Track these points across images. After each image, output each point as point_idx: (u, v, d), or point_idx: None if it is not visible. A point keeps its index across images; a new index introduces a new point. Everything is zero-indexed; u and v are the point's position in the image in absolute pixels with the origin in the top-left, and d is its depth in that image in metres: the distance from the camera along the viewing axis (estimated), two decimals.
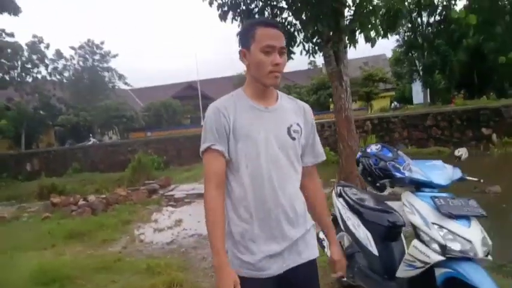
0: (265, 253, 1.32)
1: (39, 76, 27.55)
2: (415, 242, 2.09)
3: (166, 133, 26.65)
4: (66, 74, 28.93)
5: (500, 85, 27.18)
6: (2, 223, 6.85)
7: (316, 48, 6.56)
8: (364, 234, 2.57)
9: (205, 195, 1.32)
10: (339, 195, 2.90)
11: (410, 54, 22.71)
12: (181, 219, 6.03)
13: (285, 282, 1.35)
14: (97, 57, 29.22)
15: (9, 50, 25.20)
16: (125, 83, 33.24)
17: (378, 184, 2.40)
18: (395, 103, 25.15)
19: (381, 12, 6.20)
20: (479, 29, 24.04)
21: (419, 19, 22.36)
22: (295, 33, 6.46)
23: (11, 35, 24.64)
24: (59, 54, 28.37)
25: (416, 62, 22.72)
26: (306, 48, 6.60)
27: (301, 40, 6.52)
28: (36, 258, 4.28)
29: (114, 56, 30.25)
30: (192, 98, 37.73)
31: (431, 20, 22.27)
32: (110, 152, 14.25)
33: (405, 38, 22.71)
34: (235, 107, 1.35)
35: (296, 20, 6.30)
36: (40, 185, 10.86)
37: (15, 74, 26.77)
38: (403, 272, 2.16)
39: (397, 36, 22.99)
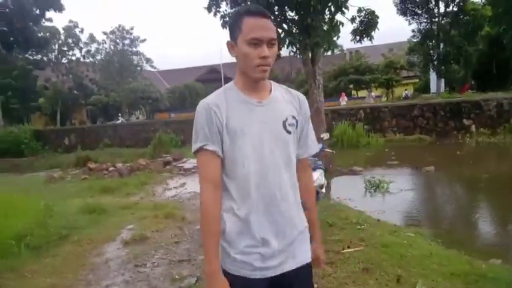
0: (261, 253, 1.28)
1: (73, 58, 30.26)
2: None
3: (189, 115, 28.88)
4: (98, 56, 31.54)
5: None
6: (52, 181, 9.11)
7: (298, 52, 8.23)
8: None
9: (201, 199, 1.27)
10: None
11: (425, 44, 23.44)
12: (185, 182, 8.05)
13: (278, 285, 1.31)
14: (126, 41, 31.61)
15: (47, 34, 27.86)
16: (152, 66, 35.63)
17: None
18: (406, 92, 26.06)
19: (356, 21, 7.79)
20: (499, 20, 24.38)
21: (435, 9, 23.00)
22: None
23: (50, 19, 27.27)
24: (92, 38, 30.95)
25: (431, 52, 23.44)
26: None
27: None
28: (81, 201, 6.37)
29: (143, 41, 32.57)
30: (214, 81, 39.57)
31: (448, 9, 22.85)
32: (136, 130, 16.51)
33: (421, 28, 23.43)
34: (227, 103, 1.29)
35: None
36: (77, 156, 13.22)
37: (53, 56, 29.58)
38: None
39: (413, 26, 23.74)
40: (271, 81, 1.39)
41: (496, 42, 26.02)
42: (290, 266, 1.32)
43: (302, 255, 1.36)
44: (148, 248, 4.18)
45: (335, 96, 31.56)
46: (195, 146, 1.29)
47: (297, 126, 1.37)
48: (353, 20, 8.53)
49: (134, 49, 31.85)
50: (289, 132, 1.33)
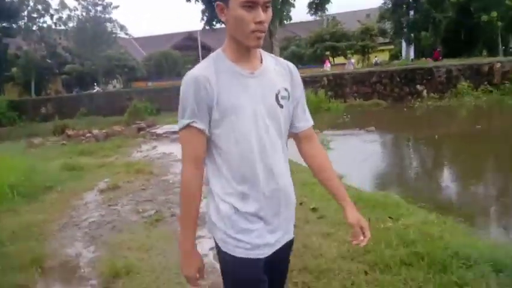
0: (262, 231, 1.25)
1: (44, 25, 29.79)
2: None
3: (166, 83, 29.30)
4: (70, 24, 31.10)
5: (492, 42, 28.58)
6: (33, 147, 9.92)
7: None
8: None
9: (182, 177, 1.23)
10: None
11: (395, 11, 24.26)
12: (156, 146, 9.02)
13: (270, 261, 1.29)
14: (99, 8, 31.14)
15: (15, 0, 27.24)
16: (127, 34, 35.32)
17: None
18: (376, 59, 27.11)
19: None
20: None
21: None
22: None
23: None
24: (63, 5, 30.40)
25: (401, 19, 24.32)
26: None
27: None
28: (61, 162, 7.28)
29: (116, 7, 32.20)
30: (191, 48, 39.49)
31: None
32: (112, 99, 17.15)
33: None
34: (217, 75, 1.19)
35: None
36: (55, 124, 13.90)
37: (22, 24, 29.05)
38: None
39: None
40: (260, 49, 1.29)
41: (464, 9, 26.99)
42: (285, 240, 1.33)
43: (290, 233, 1.36)
44: (120, 193, 5.21)
45: (313, 63, 32.44)
46: (181, 122, 1.21)
47: (289, 98, 1.30)
48: None
49: (107, 16, 31.44)
50: (281, 106, 1.27)
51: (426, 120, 10.62)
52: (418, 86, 13.20)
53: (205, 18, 9.15)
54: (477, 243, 2.80)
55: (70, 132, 10.47)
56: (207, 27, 9.42)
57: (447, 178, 5.72)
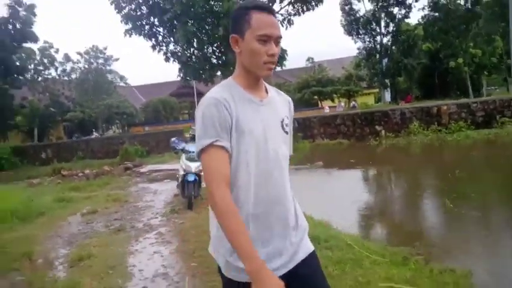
0: (271, 254, 1.27)
1: (49, 77, 32.29)
2: (181, 164, 6.45)
3: (163, 127, 31.25)
4: (73, 75, 33.68)
5: (463, 85, 30.85)
6: (32, 186, 11.40)
7: None
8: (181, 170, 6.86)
9: (216, 199, 1.19)
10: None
11: (369, 60, 26.66)
12: (137, 181, 10.50)
13: (292, 281, 1.29)
14: (100, 60, 33.89)
15: (23, 55, 29.85)
16: (126, 83, 37.97)
17: (177, 151, 6.76)
18: (353, 103, 29.21)
19: None
20: (434, 37, 27.88)
21: (377, 29, 26.28)
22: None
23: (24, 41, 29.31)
24: (67, 58, 33.12)
25: (375, 66, 26.67)
26: None
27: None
28: (54, 196, 8.73)
29: (116, 60, 34.95)
30: (187, 95, 41.85)
31: (388, 29, 26.18)
32: (107, 144, 18.82)
33: (365, 46, 26.69)
34: (234, 99, 1.27)
35: None
36: (53, 167, 15.44)
37: (29, 76, 31.54)
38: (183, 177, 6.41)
39: (359, 44, 26.97)
40: (263, 81, 1.39)
41: (436, 56, 29.57)
42: (295, 262, 1.33)
43: (304, 249, 1.36)
44: (96, 216, 6.64)
45: (304, 107, 34.71)
46: (203, 142, 1.22)
47: (290, 126, 1.40)
48: None
49: (107, 67, 34.12)
50: (286, 132, 1.37)
51: (374, 155, 12.15)
52: (377, 127, 14.84)
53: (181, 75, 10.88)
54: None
55: (64, 172, 12.00)
56: (183, 84, 11.10)
57: (353, 200, 6.98)
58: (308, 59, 49.91)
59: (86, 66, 33.55)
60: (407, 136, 13.92)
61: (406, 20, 25.91)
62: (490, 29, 25.27)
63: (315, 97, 38.82)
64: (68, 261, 4.39)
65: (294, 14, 10.99)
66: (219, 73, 11.31)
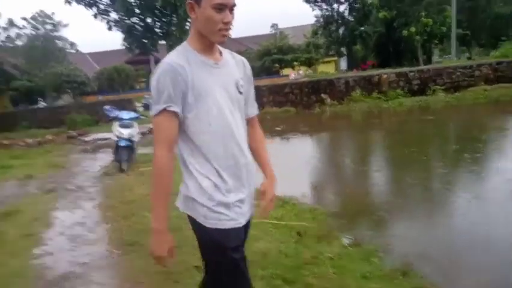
0: (236, 203, 1.44)
1: None
2: (113, 132, 6.99)
3: (118, 96, 30.85)
4: (19, 42, 32.19)
5: (415, 53, 32.34)
6: None
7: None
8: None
9: (156, 159, 1.35)
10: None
11: (326, 28, 27.31)
12: (79, 150, 10.89)
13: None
14: (48, 26, 32.49)
15: None
16: (76, 50, 36.68)
17: (110, 119, 7.27)
18: (300, 72, 30.08)
19: None
20: (390, 6, 28.84)
21: None
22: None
23: None
24: (11, 23, 31.53)
25: (332, 35, 27.40)
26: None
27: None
28: None
29: (65, 26, 33.65)
30: (144, 62, 40.95)
31: None
32: (53, 113, 18.70)
33: (323, 14, 27.25)
34: (190, 64, 1.37)
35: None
36: None
37: None
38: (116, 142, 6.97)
39: (316, 12, 27.48)
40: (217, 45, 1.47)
41: (391, 25, 30.62)
42: (251, 213, 1.53)
43: (252, 208, 1.56)
44: (32, 180, 7.10)
45: (264, 75, 35.05)
46: (157, 107, 1.33)
47: (244, 87, 1.53)
48: None
49: (56, 34, 32.78)
50: (241, 93, 1.49)
51: (319, 121, 13.17)
52: (322, 95, 15.75)
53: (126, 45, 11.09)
54: None
55: (5, 141, 12.11)
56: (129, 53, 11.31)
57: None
58: (272, 26, 49.93)
59: (33, 32, 32.09)
60: (349, 103, 14.93)
61: None
62: None
63: (276, 65, 39.41)
64: None
65: None
66: (162, 42, 11.61)
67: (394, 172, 6.17)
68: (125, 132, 6.93)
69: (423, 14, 27.69)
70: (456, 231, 3.51)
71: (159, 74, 1.36)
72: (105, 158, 8.93)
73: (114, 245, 3.65)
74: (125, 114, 7.31)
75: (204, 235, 1.45)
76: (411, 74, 15.49)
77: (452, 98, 13.94)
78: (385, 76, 15.51)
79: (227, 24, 1.39)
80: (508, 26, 34.86)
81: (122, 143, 6.86)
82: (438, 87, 14.83)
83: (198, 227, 1.45)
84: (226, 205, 1.43)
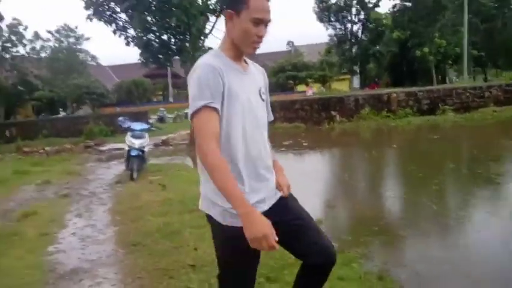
0: (255, 204, 1.46)
1: (18, 55, 32.09)
2: (126, 141, 7.42)
3: (136, 109, 31.75)
4: (43, 54, 33.58)
5: (428, 73, 32.48)
6: None
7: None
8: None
9: (207, 155, 1.37)
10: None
11: (340, 47, 27.79)
12: (95, 158, 11.38)
13: (274, 216, 1.46)
14: (71, 39, 33.85)
15: None
16: (97, 63, 38.00)
17: (124, 129, 7.72)
18: (311, 88, 30.44)
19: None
20: (403, 27, 29.18)
21: (348, 17, 27.34)
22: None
23: None
24: (36, 36, 32.95)
25: (345, 53, 27.83)
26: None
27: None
28: (14, 169, 9.54)
29: (87, 39, 34.96)
30: (162, 76, 42.05)
31: (359, 17, 27.28)
32: (72, 123, 19.44)
33: (336, 33, 27.77)
34: (225, 67, 1.45)
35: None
36: (16, 145, 16.05)
37: None
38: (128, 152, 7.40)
39: (330, 31, 28.03)
40: None
41: (405, 45, 30.93)
42: (273, 201, 1.60)
43: (278, 193, 1.64)
44: (49, 185, 7.55)
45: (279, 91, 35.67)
46: (198, 103, 1.38)
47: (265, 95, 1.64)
48: None
49: (78, 47, 34.12)
50: (263, 100, 1.62)
51: (323, 136, 13.41)
52: (332, 112, 16.02)
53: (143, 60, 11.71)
54: None
55: (26, 149, 12.74)
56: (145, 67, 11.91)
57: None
58: (288, 43, 50.68)
59: (57, 45, 33.47)
60: (358, 121, 15.15)
61: (376, 9, 26.99)
62: (456, 21, 26.70)
63: (291, 81, 39.94)
64: (15, 217, 5.34)
65: None
66: (177, 58, 12.14)
67: (386, 186, 6.38)
68: (137, 143, 7.35)
69: (437, 35, 27.95)
70: (442, 246, 3.70)
71: (201, 72, 1.43)
72: (118, 167, 9.35)
73: (120, 245, 3.98)
74: (137, 126, 7.75)
75: (220, 233, 1.52)
76: (421, 93, 15.67)
77: (461, 118, 14.03)
78: (394, 95, 15.72)
79: (260, 38, 1.50)
80: None
81: (134, 153, 7.27)
82: (448, 107, 14.95)
83: (215, 225, 1.52)
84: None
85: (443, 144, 9.82)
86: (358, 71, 28.80)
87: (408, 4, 27.91)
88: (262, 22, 1.47)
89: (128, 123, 7.68)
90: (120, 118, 7.86)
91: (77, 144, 14.12)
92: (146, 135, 7.79)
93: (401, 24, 28.70)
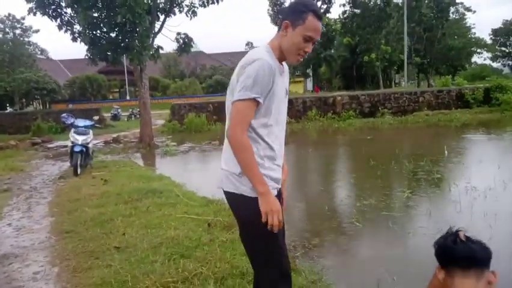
0: (277, 179, 1.74)
1: None
2: (70, 137, 7.53)
3: (88, 105, 30.85)
4: None
5: (376, 77, 34.34)
6: None
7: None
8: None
9: (237, 137, 1.57)
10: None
11: None
12: (42, 155, 11.24)
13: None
14: (17, 31, 32.30)
15: None
16: (47, 57, 36.48)
17: (66, 126, 7.82)
18: None
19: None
20: (353, 32, 30.61)
21: None
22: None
23: None
24: None
25: None
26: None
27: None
28: None
29: (36, 31, 33.51)
30: (117, 72, 40.91)
31: None
32: (18, 119, 18.78)
33: None
34: (275, 67, 1.61)
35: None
36: None
37: None
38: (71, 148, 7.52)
39: None
40: None
41: (354, 50, 32.49)
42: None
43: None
44: None
45: None
46: (247, 94, 1.55)
47: None
48: (177, 40, 12.57)
49: (26, 39, 32.62)
50: (286, 97, 1.81)
51: None
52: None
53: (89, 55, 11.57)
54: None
55: None
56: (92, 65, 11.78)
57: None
58: (248, 44, 51.18)
59: (0, 36, 31.78)
60: (305, 122, 15.93)
61: (328, 15, 28.13)
62: (400, 29, 28.45)
63: None
64: None
65: (200, 5, 12.18)
66: (124, 55, 12.19)
67: (306, 180, 7.02)
68: (80, 139, 7.49)
69: (383, 41, 29.62)
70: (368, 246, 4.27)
71: (260, 68, 1.56)
72: (64, 163, 9.38)
73: (53, 233, 4.23)
74: (81, 122, 7.88)
75: (254, 206, 1.60)
76: (363, 97, 16.74)
77: (397, 120, 15.21)
78: (339, 98, 16.68)
79: (305, 53, 1.67)
80: (461, 57, 37.61)
81: (77, 149, 7.41)
82: (387, 110, 16.12)
83: (245, 201, 1.64)
84: (274, 179, 1.70)
85: (374, 144, 10.70)
86: (311, 74, 29.84)
87: (357, 11, 29.30)
88: (311, 40, 1.64)
89: (71, 120, 7.79)
90: (63, 114, 7.95)
91: (24, 141, 13.77)
92: (91, 131, 7.94)
93: (350, 30, 30.12)
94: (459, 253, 1.20)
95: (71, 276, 3.13)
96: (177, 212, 4.67)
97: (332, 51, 29.92)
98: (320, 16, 1.66)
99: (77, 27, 11.12)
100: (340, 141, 12.26)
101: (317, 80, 31.81)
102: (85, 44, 11.08)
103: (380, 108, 16.29)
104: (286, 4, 27.54)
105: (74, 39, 11.30)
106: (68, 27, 11.16)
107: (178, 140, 13.68)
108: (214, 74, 42.84)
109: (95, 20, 10.31)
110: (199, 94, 36.60)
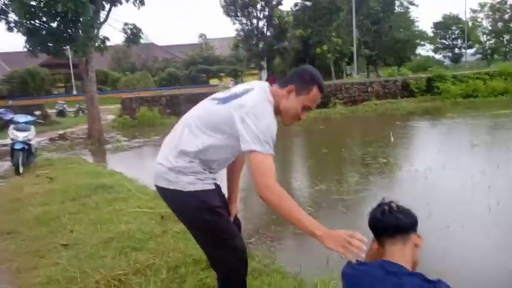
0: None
1: None
2: (10, 134, 7.06)
3: (30, 101, 28.94)
4: None
5: (328, 69, 35.26)
6: None
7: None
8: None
9: (274, 189, 1.56)
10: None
11: (246, 41, 28.70)
12: None
13: None
14: None
15: None
16: None
17: (6, 122, 7.33)
18: (232, 81, 31.25)
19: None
20: (305, 25, 31.18)
21: (253, 12, 28.32)
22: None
23: None
24: None
25: (252, 48, 28.84)
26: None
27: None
28: None
29: None
30: (61, 66, 38.63)
31: (264, 13, 28.42)
32: None
33: (243, 28, 28.61)
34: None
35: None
36: None
37: None
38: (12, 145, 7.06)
39: (237, 25, 28.75)
40: None
41: (307, 42, 33.09)
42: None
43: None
44: None
45: (191, 84, 35.44)
46: (268, 149, 1.59)
47: None
48: (124, 31, 12.13)
49: None
50: None
51: None
52: None
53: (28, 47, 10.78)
54: None
55: None
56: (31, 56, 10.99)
57: None
58: (201, 36, 50.32)
59: None
60: None
61: (280, 7, 28.39)
62: (350, 21, 29.37)
63: (203, 75, 40.00)
64: None
65: None
66: (67, 46, 11.59)
67: None
68: (21, 135, 7.05)
69: (334, 34, 30.44)
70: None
71: (269, 122, 1.62)
72: (5, 163, 8.80)
73: None
74: (21, 118, 7.42)
75: (192, 199, 1.69)
76: None
77: (348, 110, 15.77)
78: None
79: (299, 120, 1.78)
80: (406, 49, 39.62)
81: (18, 146, 6.97)
82: (338, 100, 16.64)
83: (183, 195, 1.70)
84: (208, 176, 1.77)
85: (326, 133, 11.05)
86: (265, 66, 30.07)
87: (308, 3, 29.84)
88: (309, 108, 1.75)
89: (10, 115, 7.34)
90: (1, 110, 7.45)
91: None
92: (32, 127, 7.49)
93: (302, 23, 30.59)
94: (385, 222, 1.31)
95: (14, 277, 2.98)
96: (129, 206, 4.56)
97: (286, 43, 30.21)
98: (323, 91, 1.75)
99: (13, 16, 10.37)
100: (293, 132, 12.50)
101: (271, 72, 32.08)
102: (23, 34, 10.38)
103: (332, 99, 16.78)
104: None
105: (9, 29, 10.54)
106: (1, 16, 10.39)
107: (129, 135, 13.30)
108: (167, 66, 41.82)
109: (32, 9, 9.65)
110: (152, 87, 35.63)
